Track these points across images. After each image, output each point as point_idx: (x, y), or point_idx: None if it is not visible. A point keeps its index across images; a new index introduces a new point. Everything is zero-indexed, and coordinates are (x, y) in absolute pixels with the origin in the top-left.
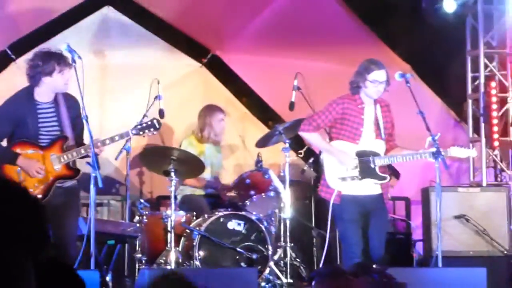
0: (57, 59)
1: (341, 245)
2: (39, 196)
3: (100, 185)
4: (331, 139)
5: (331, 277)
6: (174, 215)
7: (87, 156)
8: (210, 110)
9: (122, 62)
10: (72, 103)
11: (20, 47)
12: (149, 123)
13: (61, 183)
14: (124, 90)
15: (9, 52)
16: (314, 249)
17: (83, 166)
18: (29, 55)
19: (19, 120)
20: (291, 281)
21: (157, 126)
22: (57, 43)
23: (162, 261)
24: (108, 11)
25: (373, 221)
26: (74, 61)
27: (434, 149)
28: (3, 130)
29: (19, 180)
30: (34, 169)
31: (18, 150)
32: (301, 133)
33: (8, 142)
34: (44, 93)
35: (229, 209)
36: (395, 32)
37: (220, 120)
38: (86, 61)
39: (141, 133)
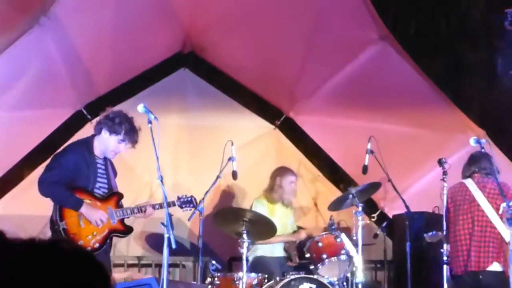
0: (129, 131)
1: None
2: (97, 245)
3: (174, 246)
4: None
5: None
6: (245, 277)
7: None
8: (282, 171)
9: (197, 122)
10: (113, 167)
11: (96, 107)
12: (189, 199)
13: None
14: (198, 150)
15: (85, 112)
16: None
17: (157, 227)
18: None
19: (80, 169)
20: None
21: (194, 204)
22: (133, 104)
23: None
24: (184, 73)
25: None
26: (150, 121)
27: (508, 216)
28: (66, 175)
29: (80, 226)
30: (97, 218)
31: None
32: None
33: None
34: (98, 148)
35: (301, 272)
36: (469, 96)
37: (291, 182)
38: (161, 121)
39: (183, 206)
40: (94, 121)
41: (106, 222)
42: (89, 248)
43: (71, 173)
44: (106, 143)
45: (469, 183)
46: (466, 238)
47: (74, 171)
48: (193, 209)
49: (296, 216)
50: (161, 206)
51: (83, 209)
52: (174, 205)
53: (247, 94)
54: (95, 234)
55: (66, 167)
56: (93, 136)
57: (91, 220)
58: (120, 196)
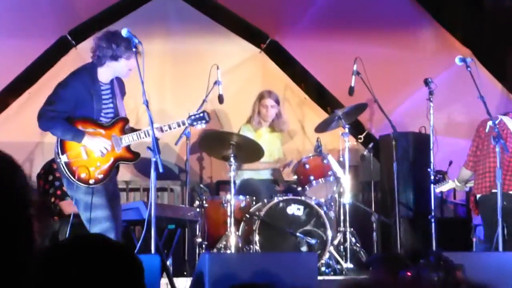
0: (127, 45)
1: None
2: (101, 176)
3: (161, 170)
4: None
5: (388, 262)
6: (233, 200)
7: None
8: (259, 96)
9: (181, 48)
10: (122, 86)
11: (80, 32)
12: (201, 115)
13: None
14: (183, 75)
15: (69, 37)
16: (374, 234)
17: (143, 151)
18: (98, 34)
19: (83, 100)
20: (351, 265)
21: (207, 119)
22: (117, 29)
23: (222, 246)
24: None
25: None
26: (134, 46)
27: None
28: (66, 108)
29: (83, 158)
30: (101, 147)
31: (79, 127)
32: None
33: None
34: (104, 74)
35: (288, 194)
36: (455, 17)
37: (271, 106)
38: (145, 47)
39: (194, 123)
40: (92, 53)
41: (110, 150)
42: (92, 180)
43: (72, 106)
44: (118, 70)
45: (505, 118)
46: (495, 161)
47: (76, 103)
48: (205, 125)
49: (283, 140)
50: (169, 127)
51: (85, 141)
52: (184, 124)
53: (231, 18)
54: (99, 165)
55: (65, 99)
56: (93, 63)
57: (94, 150)
58: (125, 121)
